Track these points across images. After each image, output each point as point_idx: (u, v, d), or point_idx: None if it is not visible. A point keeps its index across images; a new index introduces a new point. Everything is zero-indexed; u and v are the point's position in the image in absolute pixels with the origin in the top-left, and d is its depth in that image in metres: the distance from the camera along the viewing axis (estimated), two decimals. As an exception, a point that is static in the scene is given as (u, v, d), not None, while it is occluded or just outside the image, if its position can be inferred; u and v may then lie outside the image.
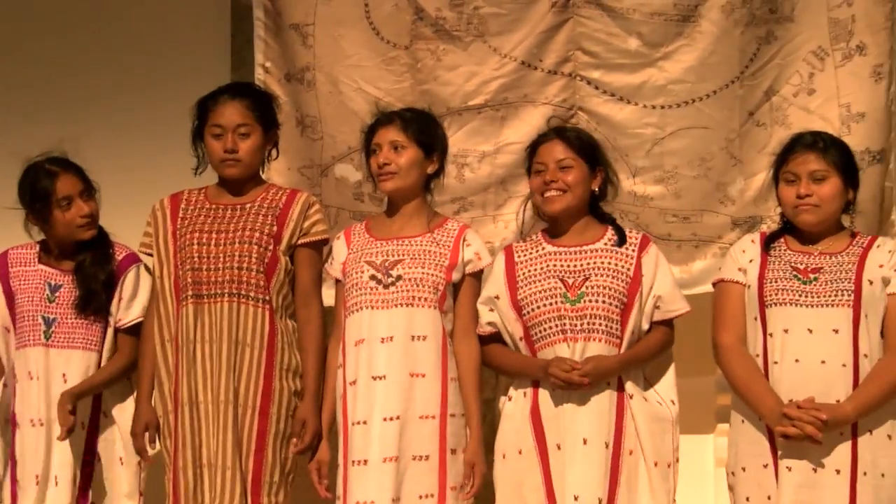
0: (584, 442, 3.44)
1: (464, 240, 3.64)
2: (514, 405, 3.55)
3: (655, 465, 3.49)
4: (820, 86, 4.01)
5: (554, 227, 3.63)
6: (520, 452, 3.51)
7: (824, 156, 3.48)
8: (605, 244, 3.58)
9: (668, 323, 3.58)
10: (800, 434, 3.28)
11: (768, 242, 3.54)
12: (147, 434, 3.67)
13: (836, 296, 3.39)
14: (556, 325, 3.50)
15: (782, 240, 3.56)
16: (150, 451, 3.68)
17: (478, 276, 3.64)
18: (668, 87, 4.04)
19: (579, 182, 3.58)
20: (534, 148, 3.63)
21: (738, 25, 4.02)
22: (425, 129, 3.66)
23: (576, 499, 3.41)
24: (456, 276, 3.61)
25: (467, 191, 4.14)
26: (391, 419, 3.49)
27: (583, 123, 4.07)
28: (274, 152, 3.80)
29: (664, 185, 4.08)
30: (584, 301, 3.50)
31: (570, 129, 3.72)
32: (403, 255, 3.61)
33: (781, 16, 4.02)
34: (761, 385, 3.39)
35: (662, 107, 4.05)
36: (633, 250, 3.57)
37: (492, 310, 3.59)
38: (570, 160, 3.58)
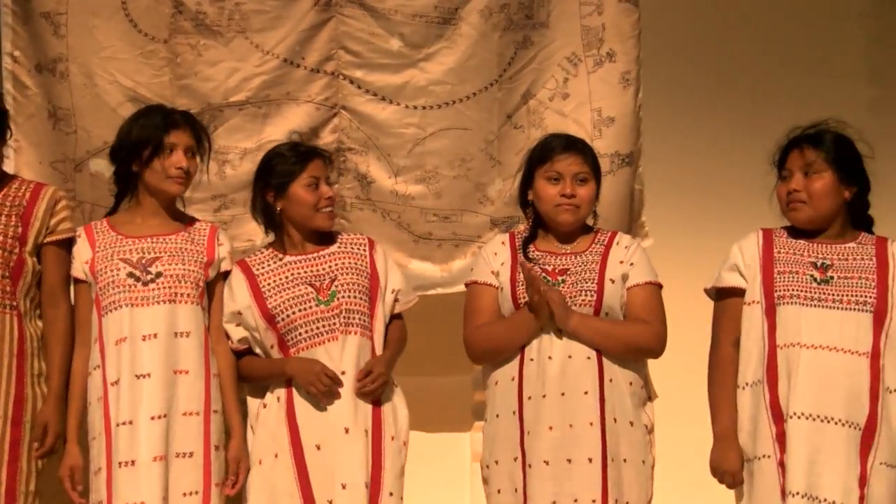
0: (346, 431, 3.47)
1: (217, 239, 3.66)
2: (269, 411, 3.55)
3: (404, 444, 3.58)
4: (574, 90, 4.14)
5: (294, 237, 3.64)
6: (276, 457, 3.50)
7: (586, 159, 3.59)
8: (339, 247, 3.65)
9: (400, 315, 3.70)
10: (536, 275, 3.43)
11: (524, 245, 3.61)
12: None
13: (580, 296, 3.50)
14: (313, 329, 3.54)
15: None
16: None
17: (227, 276, 3.65)
18: (430, 88, 4.09)
19: None
20: (308, 159, 3.61)
21: (496, 30, 4.11)
22: (206, 140, 3.67)
23: (343, 487, 3.44)
24: (212, 273, 3.61)
25: (228, 188, 4.07)
26: (158, 417, 3.44)
27: (345, 122, 4.09)
28: (8, 133, 3.65)
29: (425, 184, 4.13)
30: (338, 298, 3.55)
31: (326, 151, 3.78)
32: (161, 252, 3.56)
33: (537, 22, 4.14)
34: (512, 318, 3.50)
35: (424, 107, 4.10)
36: (364, 249, 3.67)
37: (238, 325, 3.59)
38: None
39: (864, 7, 4.68)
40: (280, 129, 4.04)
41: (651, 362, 3.68)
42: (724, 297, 3.50)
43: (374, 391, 3.51)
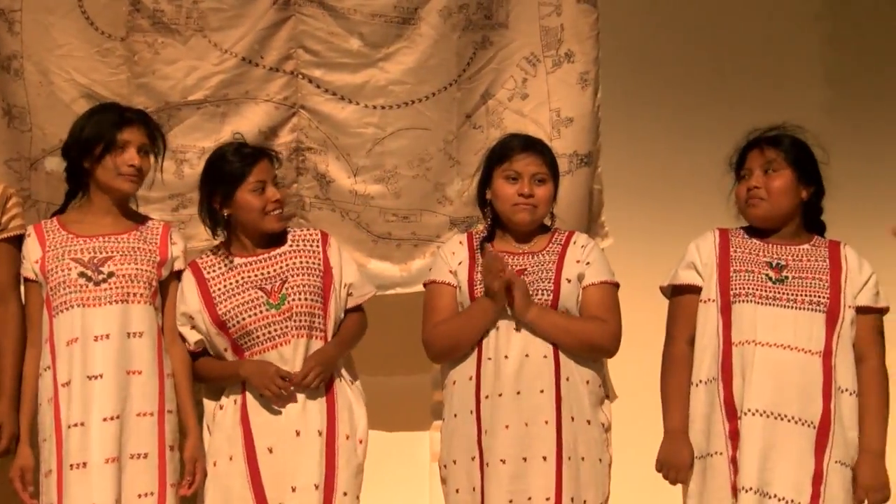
0: (297, 434, 3.47)
1: (170, 237, 3.63)
2: (225, 414, 3.54)
3: (360, 442, 3.58)
4: (533, 91, 4.15)
5: (243, 240, 3.63)
6: (230, 459, 3.50)
7: (545, 159, 3.60)
8: (291, 246, 3.63)
9: (360, 307, 3.69)
10: (498, 258, 3.42)
11: (482, 245, 3.62)
12: None
13: (536, 295, 3.51)
14: (265, 333, 3.54)
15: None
16: None
17: (181, 274, 3.63)
18: (389, 88, 4.09)
19: None
20: (252, 163, 3.58)
21: (455, 30, 4.11)
22: (161, 139, 3.64)
23: (293, 490, 3.45)
24: (165, 272, 3.60)
25: (186, 187, 4.04)
26: (111, 419, 3.42)
27: (304, 122, 4.08)
28: None
29: (384, 184, 4.12)
30: (288, 302, 3.54)
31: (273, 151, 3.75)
32: (112, 251, 3.53)
33: (496, 22, 4.14)
34: (469, 309, 3.51)
35: (383, 107, 4.10)
36: (317, 245, 3.65)
37: (193, 327, 3.58)
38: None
39: (818, 9, 4.72)
40: (239, 128, 4.01)
41: (609, 362, 3.70)
42: (680, 295, 3.53)
43: (311, 385, 3.48)
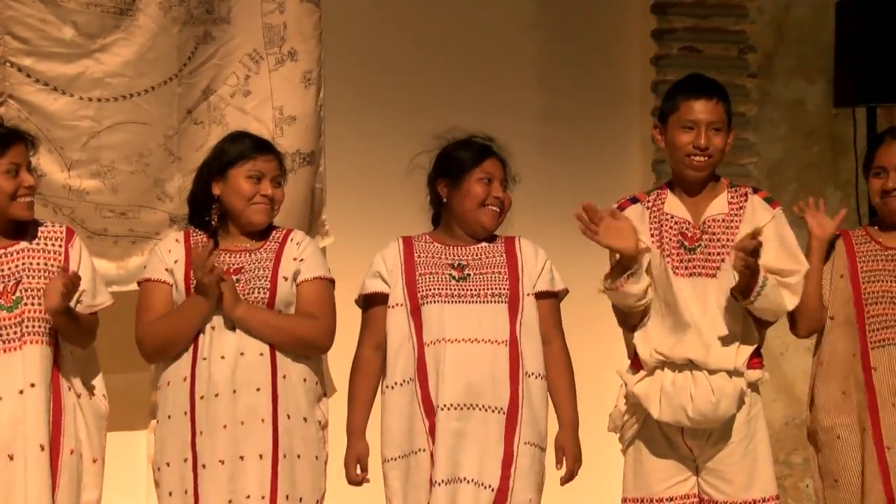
0: (40, 449, 3.33)
1: None
2: None
3: (94, 461, 3.47)
4: (255, 88, 4.15)
5: None
6: None
7: (281, 162, 3.62)
8: (33, 242, 3.46)
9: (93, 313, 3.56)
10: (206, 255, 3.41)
11: (215, 242, 3.58)
12: None
13: (253, 293, 3.51)
14: None
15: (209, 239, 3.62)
16: None
17: None
18: (106, 80, 3.99)
19: None
20: (7, 144, 3.35)
21: (176, 23, 4.05)
22: None
23: None
24: None
25: None
26: None
27: (13, 112, 3.91)
28: None
29: (101, 179, 4.02)
30: (22, 306, 3.38)
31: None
32: None
33: (218, 17, 4.12)
34: (180, 309, 3.48)
35: (99, 99, 4.00)
36: (60, 245, 3.50)
37: None
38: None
39: (534, 19, 4.91)
40: (-62, 117, 3.83)
41: (329, 358, 3.73)
42: (370, 304, 3.63)
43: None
